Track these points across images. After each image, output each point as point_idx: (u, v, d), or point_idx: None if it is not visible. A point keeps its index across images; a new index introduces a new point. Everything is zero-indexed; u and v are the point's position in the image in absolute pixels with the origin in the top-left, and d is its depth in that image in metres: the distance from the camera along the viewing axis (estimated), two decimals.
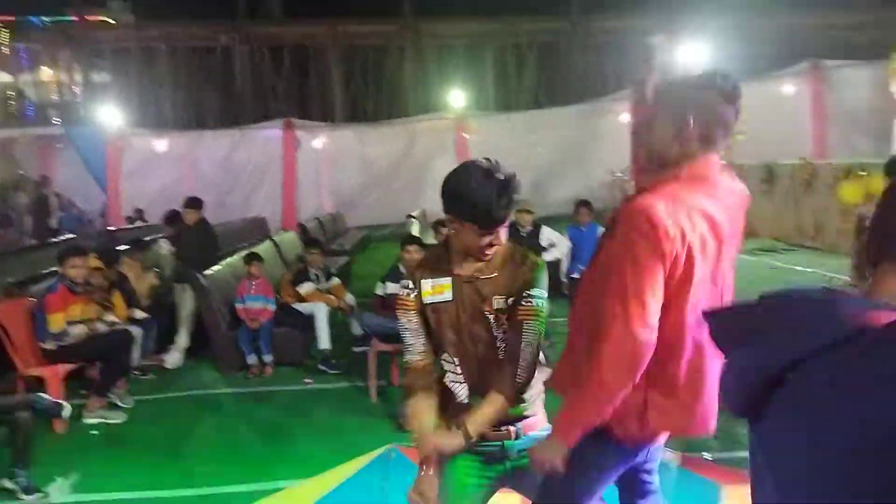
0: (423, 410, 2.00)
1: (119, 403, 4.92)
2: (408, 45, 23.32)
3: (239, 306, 5.83)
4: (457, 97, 18.83)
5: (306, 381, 5.54)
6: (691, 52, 15.29)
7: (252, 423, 4.73)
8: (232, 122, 20.15)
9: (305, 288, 6.06)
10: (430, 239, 6.45)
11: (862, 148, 14.20)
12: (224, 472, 3.87)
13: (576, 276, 5.81)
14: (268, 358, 5.72)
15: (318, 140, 18.00)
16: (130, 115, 19.11)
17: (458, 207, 1.90)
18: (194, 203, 6.70)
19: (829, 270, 7.92)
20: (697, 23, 18.12)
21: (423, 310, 2.02)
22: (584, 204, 5.98)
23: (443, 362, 2.05)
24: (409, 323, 2.03)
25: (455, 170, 1.95)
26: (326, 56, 23.78)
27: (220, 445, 4.33)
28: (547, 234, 5.54)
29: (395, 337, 4.95)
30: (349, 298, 6.40)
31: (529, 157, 17.32)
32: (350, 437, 4.28)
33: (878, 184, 7.48)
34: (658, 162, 1.69)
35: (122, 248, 6.63)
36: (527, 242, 5.45)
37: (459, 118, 18.02)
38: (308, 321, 5.91)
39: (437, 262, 2.05)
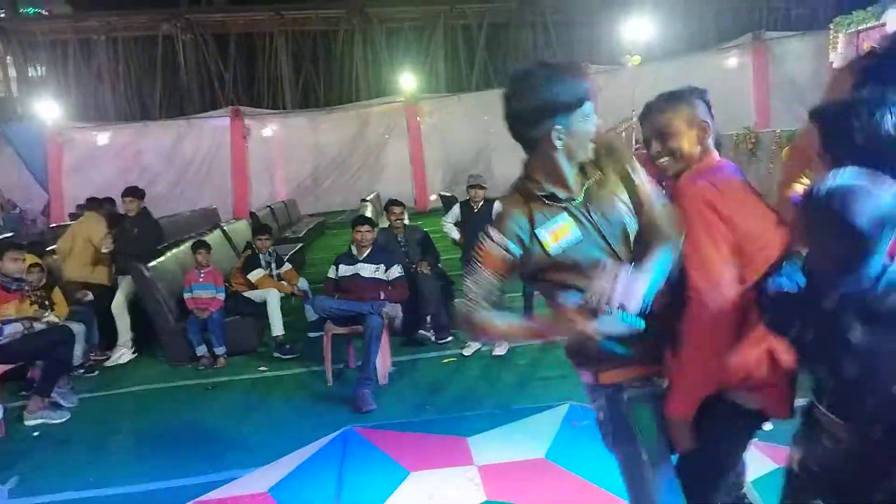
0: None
1: (62, 403, 4.73)
2: (356, 29, 22.93)
3: (187, 296, 5.65)
4: (408, 80, 18.65)
5: (261, 368, 5.42)
6: (637, 28, 15.42)
7: (204, 415, 4.59)
8: (178, 113, 19.60)
9: (255, 275, 5.92)
10: (384, 222, 6.35)
11: (804, 117, 14.54)
12: (174, 465, 3.75)
13: None
14: (220, 350, 5.56)
15: (268, 128, 17.67)
16: (70, 109, 18.44)
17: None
18: (132, 192, 6.45)
19: None
20: (641, 1, 18.25)
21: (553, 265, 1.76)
22: None
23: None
24: (491, 279, 1.77)
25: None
26: (274, 43, 23.24)
27: (170, 440, 4.19)
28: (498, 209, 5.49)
29: (348, 319, 4.94)
30: (302, 284, 6.29)
31: (482, 137, 17.29)
32: (307, 422, 4.20)
33: None
34: (684, 162, 1.90)
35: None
36: (479, 218, 5.39)
37: (411, 101, 17.87)
38: (260, 308, 5.78)
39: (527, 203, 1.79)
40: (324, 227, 14.49)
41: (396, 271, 5.19)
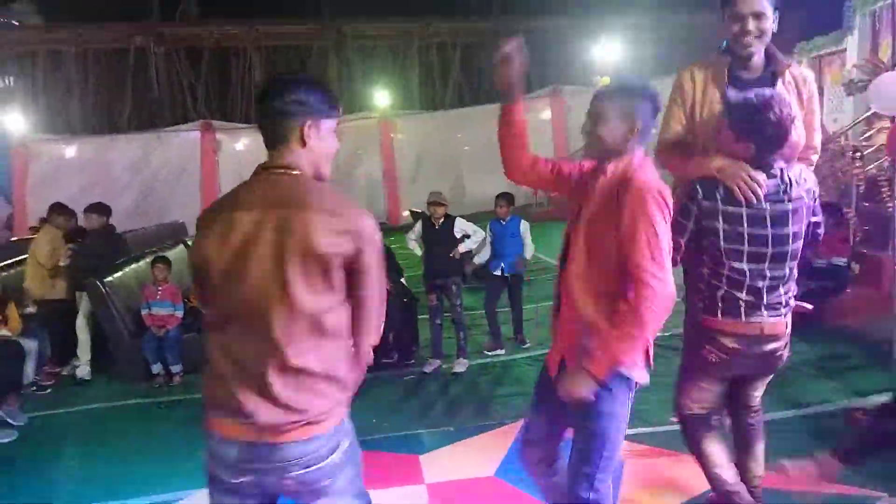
0: None
1: (10, 421, 4.61)
2: (330, 46, 23.00)
3: (144, 312, 5.58)
4: (382, 97, 18.70)
5: None
6: (608, 50, 15.69)
7: (156, 434, 4.51)
8: (148, 126, 19.41)
9: None
10: None
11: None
12: (121, 485, 3.67)
13: (497, 273, 5.72)
14: (176, 367, 5.48)
15: (240, 142, 17.56)
16: (37, 121, 18.18)
17: None
18: (96, 208, 6.36)
19: None
20: (613, 23, 18.60)
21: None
22: (502, 196, 5.94)
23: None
24: None
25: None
26: (247, 57, 23.20)
27: (119, 459, 4.10)
28: (460, 226, 5.49)
29: None
30: None
31: (455, 155, 17.39)
32: None
33: None
34: (611, 152, 2.07)
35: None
36: (440, 234, 5.40)
37: (385, 117, 17.92)
38: None
39: None
40: None
41: None
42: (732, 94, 2.47)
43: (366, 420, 4.40)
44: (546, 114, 18.11)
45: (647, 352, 2.10)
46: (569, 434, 2.26)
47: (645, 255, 1.93)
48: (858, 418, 3.85)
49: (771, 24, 2.46)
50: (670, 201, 2.02)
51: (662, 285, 1.94)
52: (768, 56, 2.57)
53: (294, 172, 1.73)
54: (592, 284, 2.06)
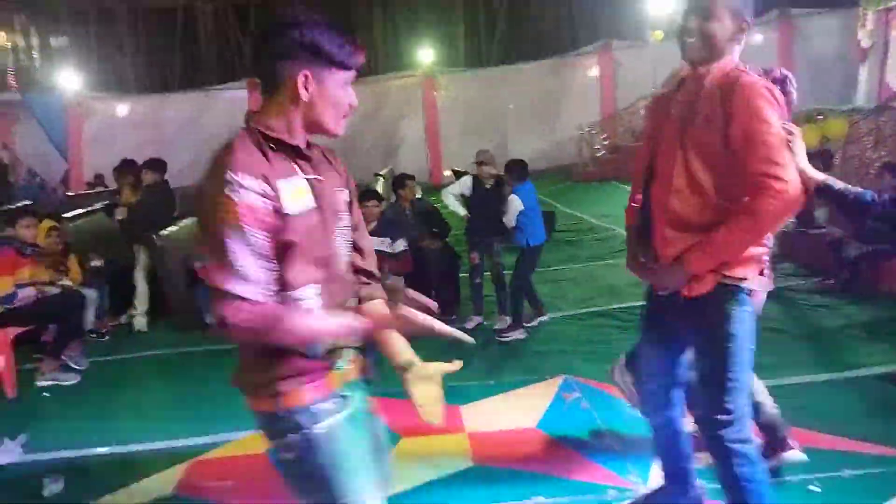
0: None
1: (73, 365, 4.88)
2: (375, 0, 22.81)
3: (198, 265, 5.74)
4: (426, 54, 18.55)
5: None
6: (658, 4, 15.15)
7: (210, 379, 4.69)
8: (197, 85, 19.69)
9: None
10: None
11: (829, 95, 14.28)
12: (178, 426, 3.86)
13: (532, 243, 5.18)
14: None
15: None
16: (90, 79, 18.61)
17: None
18: (152, 165, 6.53)
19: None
20: None
21: None
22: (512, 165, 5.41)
23: None
24: None
25: None
26: (293, 12, 23.19)
27: (175, 402, 4.33)
28: (515, 205, 5.22)
29: None
30: None
31: (499, 113, 17.20)
32: None
33: (835, 127, 7.55)
34: (717, 53, 1.97)
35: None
36: (486, 197, 5.36)
37: (428, 75, 17.79)
38: None
39: None
40: None
41: (401, 245, 5.24)
42: None
43: None
44: (594, 70, 17.70)
45: (760, 261, 2.01)
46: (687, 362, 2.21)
47: (765, 156, 1.83)
48: None
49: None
50: (782, 99, 1.93)
51: (787, 186, 1.82)
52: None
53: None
54: (693, 202, 1.96)
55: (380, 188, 8.38)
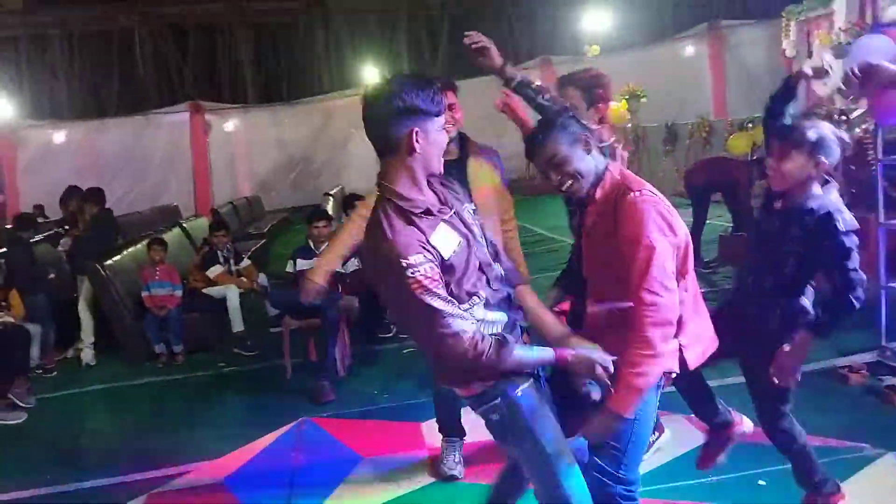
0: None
1: (19, 403, 4.70)
2: (318, 21, 22.76)
3: (144, 294, 5.65)
4: (371, 72, 18.60)
5: (220, 365, 5.44)
6: (597, 19, 15.62)
7: (162, 411, 4.63)
8: (135, 109, 19.25)
9: (214, 271, 5.93)
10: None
11: (760, 104, 14.88)
12: (132, 460, 3.78)
13: None
14: (178, 348, 5.57)
15: (229, 122, 17.49)
16: (22, 106, 18.01)
17: None
18: (92, 195, 6.39)
19: (729, 221, 8.31)
20: None
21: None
22: None
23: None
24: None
25: None
26: (234, 36, 22.95)
27: (127, 436, 4.23)
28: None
29: (306, 313, 4.98)
30: (262, 279, 6.31)
31: None
32: (266, 416, 4.25)
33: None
34: (588, 179, 2.03)
35: None
36: None
37: None
38: (220, 305, 5.79)
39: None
40: (289, 223, 14.44)
41: (354, 264, 5.24)
42: None
43: (368, 391, 4.52)
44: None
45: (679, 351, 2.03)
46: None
47: (642, 271, 1.88)
48: (845, 375, 3.98)
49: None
50: (668, 212, 1.95)
51: (656, 298, 1.87)
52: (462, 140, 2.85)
53: None
54: (610, 295, 2.03)
55: (330, 209, 8.37)
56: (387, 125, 1.77)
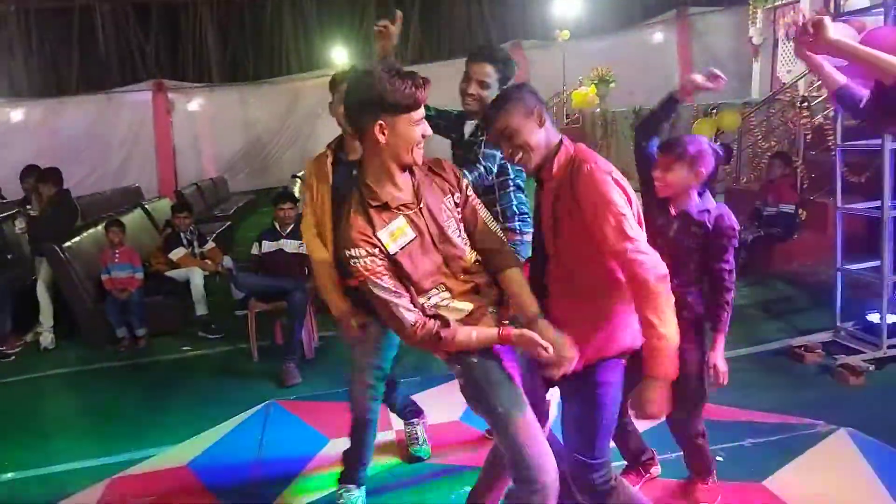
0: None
1: None
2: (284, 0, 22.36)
3: (104, 277, 5.52)
4: (339, 53, 18.37)
5: (184, 348, 5.37)
6: (565, 5, 15.60)
7: (124, 396, 4.54)
8: (97, 87, 18.72)
9: (176, 253, 5.83)
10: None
11: (726, 90, 15.06)
12: (93, 445, 3.72)
13: None
14: (140, 331, 5.47)
15: (194, 102, 17.13)
16: None
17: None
18: (50, 175, 6.20)
19: None
20: None
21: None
22: None
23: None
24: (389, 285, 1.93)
25: None
26: (198, 12, 22.41)
27: (89, 421, 4.16)
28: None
29: (272, 295, 4.94)
30: (227, 262, 6.22)
31: None
32: (231, 399, 4.20)
33: (728, 120, 8.02)
34: (538, 152, 2.03)
35: None
36: None
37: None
38: (183, 288, 5.70)
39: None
40: (255, 205, 14.25)
41: None
42: (340, 178, 2.62)
43: (337, 374, 4.50)
44: None
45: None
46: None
47: (617, 237, 1.88)
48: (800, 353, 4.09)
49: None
50: (621, 178, 1.97)
51: (640, 253, 1.88)
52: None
53: None
54: (574, 283, 2.03)
55: (297, 191, 8.27)
56: (355, 114, 1.86)
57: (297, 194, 6.57)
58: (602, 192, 1.91)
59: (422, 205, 1.96)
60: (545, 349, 1.87)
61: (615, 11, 19.60)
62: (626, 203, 1.93)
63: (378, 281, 1.88)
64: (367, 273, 1.88)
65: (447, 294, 1.97)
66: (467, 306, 1.98)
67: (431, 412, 3.65)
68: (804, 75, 8.32)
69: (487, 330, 1.94)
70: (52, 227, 5.78)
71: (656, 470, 2.88)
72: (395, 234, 1.91)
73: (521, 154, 2.02)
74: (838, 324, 4.32)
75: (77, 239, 5.81)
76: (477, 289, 2.02)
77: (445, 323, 1.91)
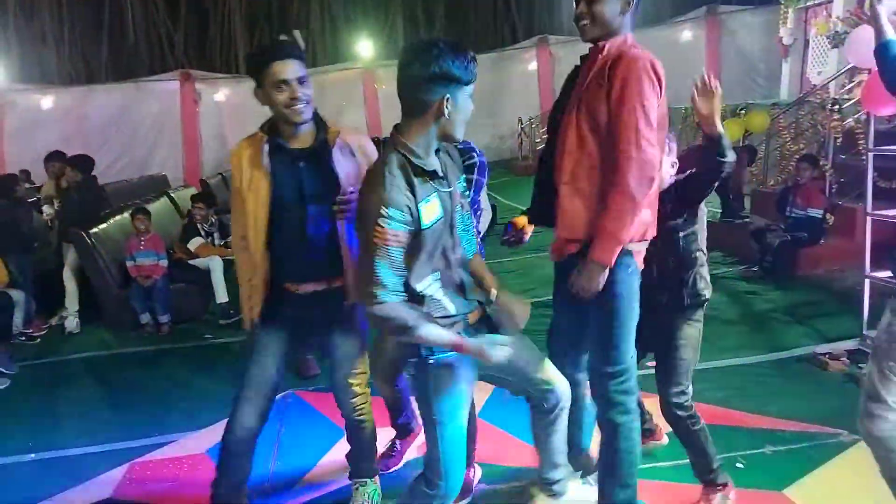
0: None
1: (1, 370, 4.68)
2: None
3: (129, 264, 5.61)
4: (365, 47, 18.39)
5: (206, 336, 5.43)
6: None
7: (147, 381, 4.61)
8: (125, 76, 18.97)
9: (193, 243, 5.92)
10: None
11: (755, 90, 14.86)
12: (115, 429, 3.78)
13: None
14: (164, 318, 5.55)
15: (220, 92, 17.27)
16: (12, 71, 17.71)
17: None
18: (79, 161, 6.30)
19: (715, 207, 8.34)
20: None
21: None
22: None
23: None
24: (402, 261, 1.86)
25: None
26: (227, 3, 22.59)
27: (111, 405, 4.22)
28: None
29: None
30: None
31: None
32: None
33: (756, 121, 7.90)
34: (600, 29, 2.10)
35: None
36: None
37: (368, 68, 17.66)
38: (205, 276, 5.77)
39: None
40: None
41: None
42: (279, 167, 2.35)
43: None
44: (532, 65, 17.93)
45: (643, 223, 2.13)
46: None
47: (628, 125, 1.97)
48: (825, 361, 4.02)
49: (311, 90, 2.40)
50: (662, 74, 2.03)
51: (640, 153, 1.97)
52: (317, 123, 2.44)
53: None
54: (587, 169, 2.10)
55: None
56: (420, 89, 1.82)
57: None
58: (635, 79, 1.98)
59: (450, 188, 1.95)
60: (488, 358, 1.92)
61: (644, 8, 19.37)
62: (653, 96, 1.99)
63: (391, 250, 1.77)
64: (388, 237, 1.76)
65: (439, 285, 1.95)
66: (451, 308, 1.97)
67: None
68: (835, 77, 8.17)
69: (446, 333, 1.90)
70: (79, 213, 5.87)
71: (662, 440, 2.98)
72: (430, 208, 1.85)
73: (587, 20, 2.09)
74: (865, 332, 4.24)
75: (104, 225, 5.90)
76: (463, 285, 2.02)
77: (423, 317, 1.86)
